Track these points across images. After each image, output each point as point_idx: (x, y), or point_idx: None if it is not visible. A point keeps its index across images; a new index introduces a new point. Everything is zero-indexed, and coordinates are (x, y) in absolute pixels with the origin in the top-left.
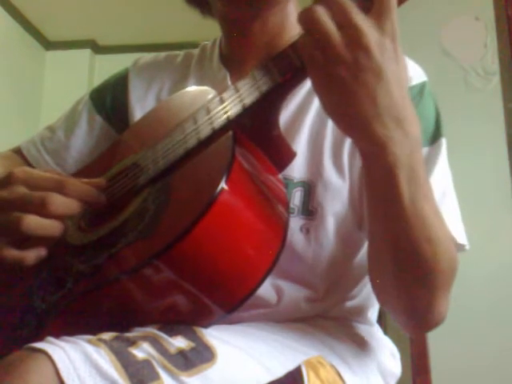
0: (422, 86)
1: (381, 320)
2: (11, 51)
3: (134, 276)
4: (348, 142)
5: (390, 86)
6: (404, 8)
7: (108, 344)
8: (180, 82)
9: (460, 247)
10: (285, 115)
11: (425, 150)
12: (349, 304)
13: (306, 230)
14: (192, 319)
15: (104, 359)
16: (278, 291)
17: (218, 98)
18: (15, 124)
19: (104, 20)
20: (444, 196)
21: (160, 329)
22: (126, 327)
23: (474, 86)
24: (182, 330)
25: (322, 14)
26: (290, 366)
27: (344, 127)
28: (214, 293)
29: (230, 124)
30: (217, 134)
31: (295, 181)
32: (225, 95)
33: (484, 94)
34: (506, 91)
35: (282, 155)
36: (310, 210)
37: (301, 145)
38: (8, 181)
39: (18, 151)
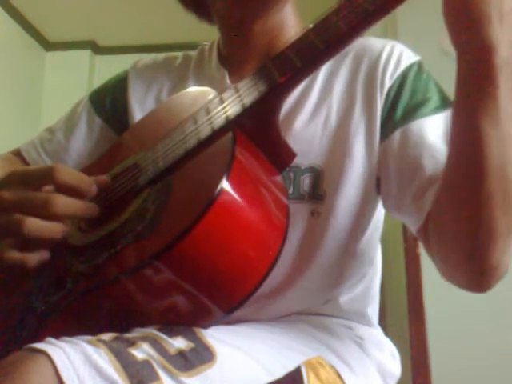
0: (419, 63)
1: (381, 321)
2: (11, 52)
3: (134, 276)
4: (351, 123)
5: None
6: (404, 8)
7: (108, 344)
8: (179, 84)
9: None
10: (288, 101)
11: (446, 114)
12: (350, 296)
13: (318, 214)
14: (191, 320)
15: (104, 360)
16: (292, 278)
17: (217, 99)
18: (15, 125)
19: (104, 21)
20: None
21: (160, 329)
22: (125, 328)
23: None
24: (182, 330)
25: None
26: (289, 367)
27: (459, 29)
28: (214, 293)
29: (230, 124)
30: (216, 134)
31: (303, 167)
32: (224, 95)
33: None
34: None
35: (281, 155)
36: (320, 195)
37: (305, 132)
38: (9, 182)
39: (17, 153)
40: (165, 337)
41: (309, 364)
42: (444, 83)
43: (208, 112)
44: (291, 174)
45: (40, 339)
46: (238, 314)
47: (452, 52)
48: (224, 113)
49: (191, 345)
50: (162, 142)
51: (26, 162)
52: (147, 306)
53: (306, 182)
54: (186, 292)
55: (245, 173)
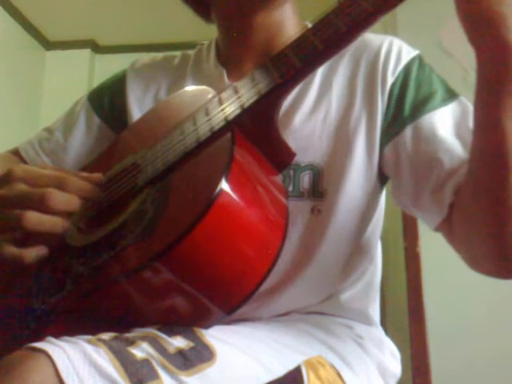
0: (420, 57)
1: (381, 320)
2: (11, 51)
3: (134, 278)
4: (351, 119)
5: None
6: (404, 7)
7: (107, 344)
8: (177, 82)
9: None
10: (287, 98)
11: (453, 106)
12: (351, 293)
13: (318, 211)
14: (192, 320)
15: (103, 358)
16: (293, 275)
17: (216, 99)
18: (15, 124)
19: (104, 20)
20: None
21: (159, 329)
22: (125, 328)
23: (474, 84)
24: (182, 330)
25: None
26: (289, 366)
27: (474, 29)
28: (214, 294)
29: (229, 125)
30: (216, 134)
31: (302, 165)
32: (223, 95)
33: None
34: None
35: (281, 155)
36: (320, 192)
37: (304, 128)
38: (7, 178)
39: (16, 153)
40: (164, 336)
41: (309, 363)
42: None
43: (207, 112)
44: (291, 172)
45: (40, 339)
46: (237, 311)
47: (450, 49)
48: (223, 113)
49: (191, 344)
50: (161, 141)
51: (24, 162)
52: (147, 306)
53: (305, 179)
54: (186, 293)
55: (244, 173)
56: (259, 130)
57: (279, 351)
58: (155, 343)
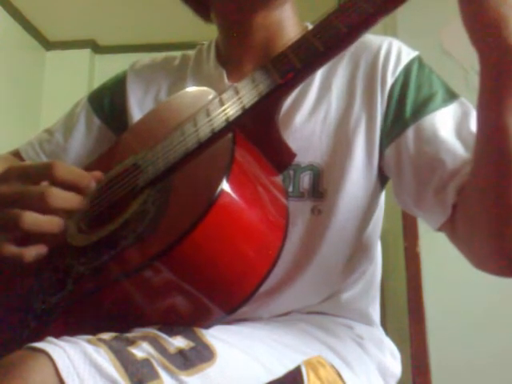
0: (419, 58)
1: (381, 320)
2: (11, 51)
3: (134, 278)
4: (351, 120)
5: None
6: (404, 8)
7: (107, 343)
8: (178, 83)
9: None
10: (287, 101)
11: (454, 107)
12: (351, 293)
13: (318, 211)
14: (192, 320)
15: (104, 358)
16: (293, 275)
17: (217, 100)
18: (15, 124)
19: (104, 20)
20: None
21: (160, 329)
22: (126, 328)
23: (475, 85)
24: (182, 330)
25: None
26: (289, 366)
27: (478, 33)
28: (214, 294)
29: (230, 126)
30: (217, 135)
31: (302, 165)
32: (224, 96)
33: None
34: None
35: (281, 155)
36: (321, 192)
37: (305, 129)
38: (6, 177)
39: (16, 154)
40: (165, 336)
41: (309, 363)
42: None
43: (208, 113)
44: (291, 172)
45: (40, 339)
46: (238, 311)
47: (451, 50)
48: (224, 114)
49: (191, 344)
50: (162, 142)
51: None
52: (148, 306)
53: (305, 179)
54: (187, 293)
55: (244, 174)
56: (260, 130)
57: (279, 351)
58: (155, 343)
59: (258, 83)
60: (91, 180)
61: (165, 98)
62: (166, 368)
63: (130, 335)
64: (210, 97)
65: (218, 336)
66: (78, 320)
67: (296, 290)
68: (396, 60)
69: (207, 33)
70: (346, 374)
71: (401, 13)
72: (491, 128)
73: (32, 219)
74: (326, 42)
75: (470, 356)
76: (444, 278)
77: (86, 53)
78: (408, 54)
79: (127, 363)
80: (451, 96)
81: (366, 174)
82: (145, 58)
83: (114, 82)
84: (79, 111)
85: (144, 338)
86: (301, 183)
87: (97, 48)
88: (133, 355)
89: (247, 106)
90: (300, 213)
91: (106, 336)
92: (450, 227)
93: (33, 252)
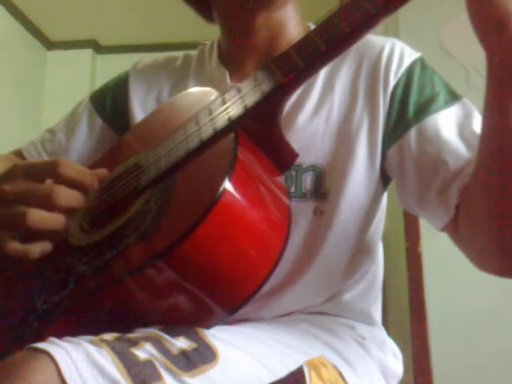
0: (422, 59)
1: (382, 320)
2: (13, 51)
3: (136, 277)
4: (353, 120)
5: None
6: (406, 8)
7: (110, 344)
8: (180, 84)
9: None
10: (289, 101)
11: (456, 108)
12: (353, 294)
13: (320, 212)
14: (194, 320)
15: (106, 359)
16: (295, 275)
17: (220, 99)
18: (17, 124)
19: (106, 20)
20: None
21: (162, 330)
22: (128, 328)
23: (476, 85)
24: (184, 330)
25: None
26: (291, 367)
27: (486, 31)
28: (216, 294)
29: (232, 125)
30: (219, 135)
31: (304, 166)
32: (227, 96)
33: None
34: None
35: (284, 155)
36: (323, 193)
37: (307, 129)
38: (11, 175)
39: (18, 153)
40: (167, 337)
41: (311, 364)
42: None
43: (210, 113)
44: (293, 173)
45: (42, 339)
46: (240, 311)
47: (451, 50)
48: (226, 114)
49: (193, 345)
50: (164, 142)
51: None
52: (149, 306)
53: (307, 180)
54: (189, 292)
55: (247, 174)
56: (262, 130)
57: (281, 352)
58: (158, 344)
59: (261, 83)
60: (95, 178)
61: (167, 98)
62: (168, 369)
63: (132, 336)
64: (213, 97)
65: (219, 337)
66: (79, 319)
67: (298, 290)
68: (399, 61)
69: (209, 33)
70: (348, 374)
71: (402, 13)
72: (497, 127)
73: (37, 217)
74: (329, 41)
75: (471, 356)
76: (445, 278)
77: (87, 53)
78: (410, 55)
79: (130, 364)
80: (454, 97)
81: (368, 175)
82: (147, 58)
83: (116, 82)
84: (81, 111)
85: (146, 338)
86: (303, 184)
87: (98, 48)
88: (135, 356)
89: (249, 106)
90: (302, 213)
91: (109, 337)
92: (453, 227)
93: (38, 249)
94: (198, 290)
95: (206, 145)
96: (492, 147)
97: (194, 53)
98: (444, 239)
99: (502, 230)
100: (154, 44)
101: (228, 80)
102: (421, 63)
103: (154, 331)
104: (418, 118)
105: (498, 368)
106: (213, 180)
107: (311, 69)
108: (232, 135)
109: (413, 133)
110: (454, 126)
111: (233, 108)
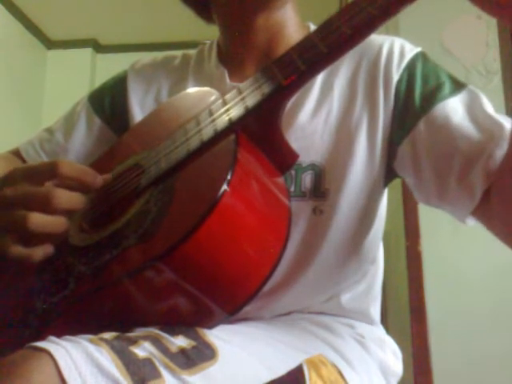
0: (423, 52)
1: (382, 319)
2: (13, 50)
3: (136, 278)
4: (353, 119)
5: None
6: (406, 9)
7: (109, 343)
8: (179, 83)
9: None
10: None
11: (463, 95)
12: (352, 294)
13: (320, 211)
14: (195, 321)
15: (105, 358)
16: (294, 275)
17: (220, 100)
18: (17, 123)
19: (105, 19)
20: None
21: (161, 329)
22: (127, 328)
23: (476, 84)
24: (184, 330)
25: None
26: (291, 365)
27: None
28: (217, 295)
29: (233, 126)
30: (219, 136)
31: (304, 165)
32: (227, 97)
33: (485, 93)
34: (508, 90)
35: (284, 156)
36: (322, 192)
37: (306, 128)
38: (11, 178)
39: (16, 153)
40: (166, 335)
41: (310, 362)
42: None
43: (211, 113)
44: (293, 172)
45: (42, 338)
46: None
47: (451, 49)
48: (227, 115)
49: (193, 343)
50: (164, 142)
51: (24, 162)
52: (150, 307)
53: (307, 179)
54: (189, 294)
55: (247, 175)
56: (263, 131)
57: (281, 350)
58: (157, 342)
59: (262, 84)
60: (96, 176)
61: (166, 97)
62: (167, 367)
63: (131, 335)
64: (213, 97)
65: (219, 335)
66: (79, 319)
67: (297, 290)
68: (399, 56)
69: (208, 32)
70: (347, 372)
71: (403, 13)
72: None
73: (38, 220)
74: (330, 44)
75: (471, 355)
76: (445, 277)
77: (87, 52)
78: (411, 50)
79: (129, 363)
80: (459, 86)
81: (367, 174)
82: (146, 57)
83: (115, 82)
84: (80, 111)
85: (146, 337)
86: (302, 183)
87: (98, 47)
88: (134, 355)
89: (250, 107)
90: (302, 213)
91: (108, 336)
92: (484, 214)
93: (40, 252)
94: (199, 291)
95: (206, 146)
96: None
97: (192, 52)
98: (444, 238)
99: None
100: (154, 43)
101: (227, 79)
102: (422, 56)
103: (153, 330)
104: (425, 109)
105: (497, 367)
106: (213, 181)
107: (312, 71)
108: (232, 136)
109: (422, 124)
110: (463, 111)
111: (234, 109)
